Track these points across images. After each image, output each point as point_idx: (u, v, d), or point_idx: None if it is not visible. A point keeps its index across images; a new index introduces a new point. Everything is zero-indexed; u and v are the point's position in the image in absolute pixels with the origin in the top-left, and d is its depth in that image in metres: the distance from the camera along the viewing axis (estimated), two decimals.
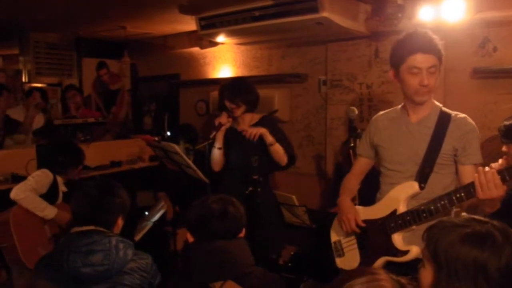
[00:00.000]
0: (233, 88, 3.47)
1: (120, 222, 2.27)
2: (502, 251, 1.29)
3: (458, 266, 1.30)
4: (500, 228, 1.34)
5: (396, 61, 2.33)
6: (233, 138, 3.48)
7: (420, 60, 2.23)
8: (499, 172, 1.92)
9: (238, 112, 3.41)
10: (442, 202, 2.14)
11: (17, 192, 3.34)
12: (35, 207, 3.37)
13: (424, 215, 2.20)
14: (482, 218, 1.40)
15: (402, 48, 2.31)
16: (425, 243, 1.42)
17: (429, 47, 2.24)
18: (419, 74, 2.24)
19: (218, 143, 3.48)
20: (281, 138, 3.39)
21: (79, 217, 2.21)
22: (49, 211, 3.41)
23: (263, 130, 3.26)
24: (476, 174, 1.98)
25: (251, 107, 3.47)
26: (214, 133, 3.42)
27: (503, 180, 1.91)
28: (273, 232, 3.42)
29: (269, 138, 3.26)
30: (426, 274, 1.40)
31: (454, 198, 2.10)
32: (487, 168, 1.97)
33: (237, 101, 3.38)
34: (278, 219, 3.58)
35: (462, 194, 2.07)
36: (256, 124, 3.42)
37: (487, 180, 1.92)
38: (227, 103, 3.41)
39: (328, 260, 2.71)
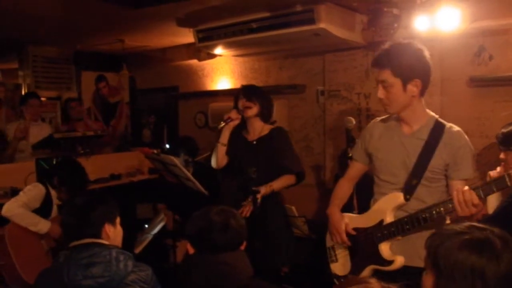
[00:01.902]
0: (252, 88, 3.51)
1: (108, 229, 2.26)
2: (500, 258, 1.28)
3: (456, 272, 1.30)
4: (500, 235, 1.33)
5: None
6: (239, 146, 3.44)
7: (376, 74, 2.33)
8: (475, 189, 1.96)
9: (250, 112, 3.35)
10: (423, 216, 2.17)
11: (7, 209, 3.33)
12: (28, 223, 3.35)
13: (407, 227, 2.24)
14: (482, 226, 1.39)
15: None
16: (426, 249, 1.42)
17: (379, 62, 2.29)
18: (378, 87, 2.33)
19: (223, 139, 3.42)
20: (287, 153, 3.33)
21: (67, 233, 2.26)
22: (42, 226, 3.39)
23: (260, 195, 3.09)
24: (455, 192, 2.01)
25: (264, 112, 3.41)
26: (222, 124, 3.36)
27: (479, 197, 1.95)
28: (276, 243, 3.39)
29: (268, 192, 3.20)
30: (427, 280, 1.40)
31: (434, 212, 2.14)
32: (466, 187, 2.00)
33: (252, 99, 3.35)
34: (284, 231, 3.51)
35: (442, 209, 2.11)
36: (265, 137, 3.38)
37: (465, 200, 1.96)
38: (242, 102, 3.36)
39: (327, 270, 2.72)
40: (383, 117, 2.59)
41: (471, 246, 1.31)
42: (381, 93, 2.30)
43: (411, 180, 2.31)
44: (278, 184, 3.26)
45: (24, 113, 5.19)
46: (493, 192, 1.96)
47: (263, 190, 3.14)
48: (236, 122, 3.38)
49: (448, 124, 2.34)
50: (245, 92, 3.40)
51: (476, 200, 1.94)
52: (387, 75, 2.25)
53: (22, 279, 3.23)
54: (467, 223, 1.41)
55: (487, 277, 1.27)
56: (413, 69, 2.26)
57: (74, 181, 3.63)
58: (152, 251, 3.79)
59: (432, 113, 2.41)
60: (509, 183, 1.89)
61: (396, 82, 2.25)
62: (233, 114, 3.35)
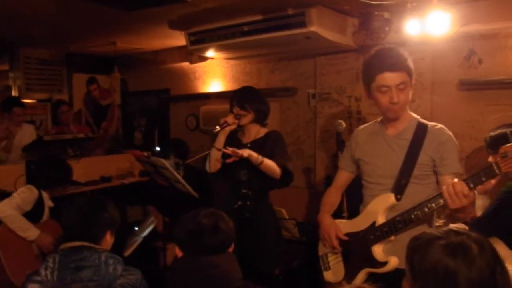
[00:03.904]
0: (245, 94, 3.41)
1: (108, 237, 2.27)
2: (474, 263, 1.25)
3: (430, 276, 1.29)
4: (477, 240, 1.31)
5: (367, 81, 2.37)
6: (233, 148, 3.41)
7: (387, 78, 2.26)
8: (464, 180, 1.98)
9: (245, 120, 3.32)
10: (415, 213, 2.18)
11: (1, 210, 3.32)
12: (18, 227, 3.34)
13: (400, 225, 2.25)
14: (460, 230, 1.38)
15: (370, 67, 2.34)
16: (406, 254, 1.41)
17: (396, 65, 2.26)
18: (388, 92, 2.27)
19: (218, 143, 3.37)
20: (279, 151, 3.29)
21: (68, 232, 2.23)
22: (31, 233, 3.38)
23: (247, 153, 3.13)
24: (444, 187, 2.03)
25: (260, 117, 3.38)
26: (218, 128, 3.30)
27: (468, 188, 1.96)
28: (267, 246, 3.38)
29: (254, 159, 3.14)
30: (406, 286, 1.40)
31: (425, 208, 2.15)
32: (455, 179, 2.02)
33: (246, 107, 3.29)
34: (274, 234, 3.48)
35: (433, 204, 2.13)
36: (260, 139, 3.36)
37: (456, 191, 1.97)
38: (236, 109, 3.32)
39: (317, 273, 2.73)
40: (366, 124, 2.63)
41: (446, 250, 1.29)
42: (397, 96, 2.26)
43: (400, 179, 2.33)
44: (268, 161, 3.18)
45: (7, 120, 5.15)
46: (482, 182, 1.98)
47: (254, 153, 3.13)
48: (233, 127, 3.34)
49: (430, 123, 2.39)
50: (238, 101, 3.34)
51: (466, 190, 1.95)
52: (404, 76, 2.27)
53: (11, 281, 3.22)
54: (446, 228, 1.40)
55: (459, 281, 1.25)
56: (412, 67, 2.32)
57: (59, 175, 3.63)
58: (142, 254, 3.78)
59: (414, 115, 2.45)
60: (497, 171, 1.92)
61: (409, 83, 2.30)
62: (230, 119, 3.30)
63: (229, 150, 3.16)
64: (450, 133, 2.36)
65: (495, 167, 1.92)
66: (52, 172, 3.64)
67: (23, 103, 5.42)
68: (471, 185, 1.97)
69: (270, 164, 3.19)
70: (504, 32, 3.87)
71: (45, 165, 3.75)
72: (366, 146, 2.52)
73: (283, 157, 3.29)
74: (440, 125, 2.38)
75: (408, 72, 2.29)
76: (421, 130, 2.35)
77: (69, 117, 5.94)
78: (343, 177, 2.73)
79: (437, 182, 2.35)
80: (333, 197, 2.75)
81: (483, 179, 1.96)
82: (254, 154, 3.15)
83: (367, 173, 2.50)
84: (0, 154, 5.02)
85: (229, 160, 3.21)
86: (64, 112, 5.84)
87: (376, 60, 2.32)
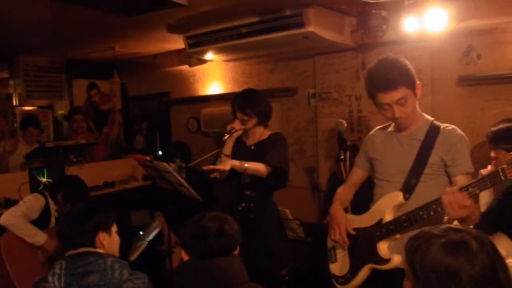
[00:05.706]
0: (245, 99, 3.40)
1: (103, 237, 2.27)
2: (475, 259, 1.25)
3: (432, 275, 1.28)
4: (476, 236, 1.31)
5: (370, 97, 2.41)
6: (237, 150, 3.41)
7: (386, 97, 2.28)
8: (470, 186, 1.98)
9: (250, 124, 3.34)
10: (420, 213, 2.20)
11: (6, 218, 3.32)
12: (25, 234, 3.35)
13: (405, 224, 2.27)
14: (459, 227, 1.38)
15: (369, 85, 2.38)
16: (405, 254, 1.41)
17: (392, 83, 2.25)
18: (389, 108, 2.31)
19: (227, 150, 3.39)
20: (274, 151, 3.30)
21: (62, 242, 2.28)
22: (39, 238, 3.39)
23: (229, 165, 3.14)
24: (445, 196, 2.03)
25: (263, 119, 3.40)
26: (226, 135, 3.32)
27: (473, 194, 1.97)
28: (272, 247, 3.39)
29: (238, 168, 3.16)
30: (407, 286, 1.40)
31: (431, 210, 2.16)
32: (455, 187, 2.01)
33: (248, 113, 3.31)
34: (279, 235, 3.48)
35: (438, 207, 2.13)
36: (264, 141, 3.38)
37: (456, 201, 1.97)
38: (239, 115, 3.33)
39: (323, 273, 2.75)
40: (384, 125, 2.64)
41: (447, 248, 1.28)
42: (398, 111, 2.28)
43: (410, 179, 2.35)
44: (251, 165, 3.20)
45: (21, 138, 5.27)
46: (488, 187, 1.99)
47: (236, 163, 3.15)
48: (240, 132, 3.37)
49: (443, 125, 2.40)
50: (240, 107, 3.35)
51: (465, 201, 1.96)
52: (402, 91, 2.26)
53: None
54: (444, 226, 1.39)
55: (462, 279, 1.24)
56: (413, 75, 2.32)
57: (78, 199, 3.61)
58: (148, 258, 3.79)
59: (428, 116, 2.47)
60: (503, 178, 1.92)
61: (410, 94, 2.29)
62: (237, 125, 3.33)
63: (210, 167, 3.16)
64: (462, 133, 2.36)
65: (501, 173, 1.92)
66: (74, 194, 3.60)
67: (40, 125, 5.49)
68: (477, 191, 1.97)
69: (254, 167, 3.21)
70: (501, 27, 3.88)
71: (68, 185, 3.71)
72: (380, 145, 2.55)
73: (277, 157, 3.31)
74: (452, 126, 2.39)
75: (408, 85, 2.27)
76: (433, 131, 2.37)
77: (81, 126, 5.92)
78: (356, 175, 2.76)
79: (450, 183, 2.36)
80: (344, 194, 2.77)
81: (489, 185, 1.97)
82: (236, 164, 3.16)
83: (379, 171, 2.53)
84: None
85: (213, 175, 3.21)
86: (77, 120, 5.87)
87: (373, 79, 2.34)
